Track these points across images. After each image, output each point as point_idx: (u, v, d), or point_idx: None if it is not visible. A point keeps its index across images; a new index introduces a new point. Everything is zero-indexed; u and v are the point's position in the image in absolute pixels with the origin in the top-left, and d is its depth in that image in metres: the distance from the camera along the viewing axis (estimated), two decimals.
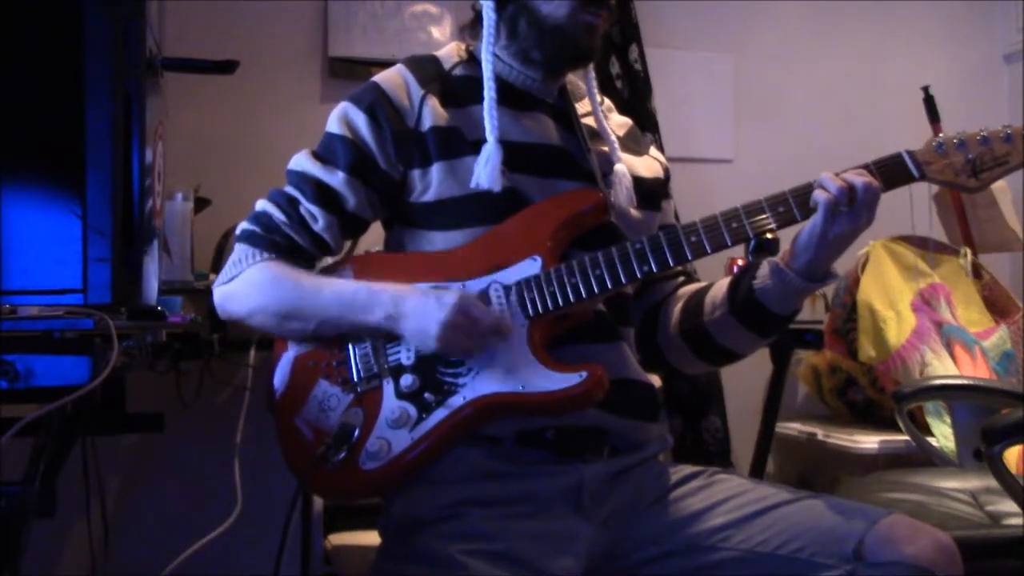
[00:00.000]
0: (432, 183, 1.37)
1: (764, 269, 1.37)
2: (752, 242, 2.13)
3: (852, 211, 1.28)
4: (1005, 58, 3.29)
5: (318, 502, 2.23)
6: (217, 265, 2.27)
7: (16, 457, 1.17)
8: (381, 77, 1.42)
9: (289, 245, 1.37)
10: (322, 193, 1.37)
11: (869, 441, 2.56)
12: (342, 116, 1.40)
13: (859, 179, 1.28)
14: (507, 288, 1.32)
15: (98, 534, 2.10)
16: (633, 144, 1.55)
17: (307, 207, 1.37)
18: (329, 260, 1.44)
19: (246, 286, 1.36)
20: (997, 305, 2.85)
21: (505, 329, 1.29)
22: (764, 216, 1.32)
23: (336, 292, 1.33)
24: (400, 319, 1.29)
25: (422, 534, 1.27)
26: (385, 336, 1.33)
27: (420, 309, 1.28)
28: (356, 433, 1.29)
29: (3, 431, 1.10)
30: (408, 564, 1.26)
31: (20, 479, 1.14)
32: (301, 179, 1.38)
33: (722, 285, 1.44)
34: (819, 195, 1.28)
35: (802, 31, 3.13)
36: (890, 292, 2.69)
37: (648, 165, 1.54)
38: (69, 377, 1.12)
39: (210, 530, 2.12)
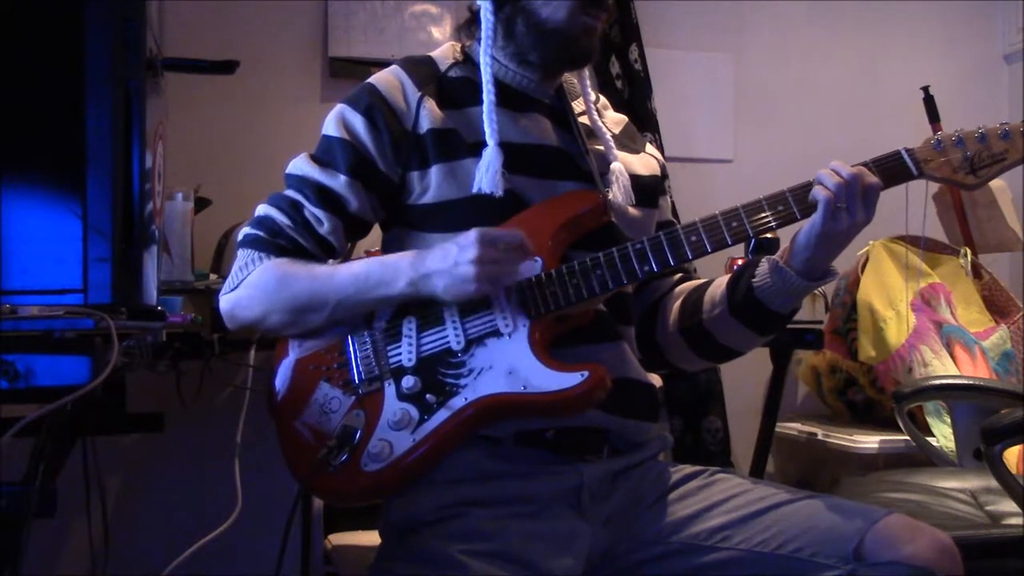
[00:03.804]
0: (431, 185, 1.37)
1: (763, 267, 1.37)
2: (752, 241, 2.14)
3: (851, 208, 1.28)
4: (1005, 58, 3.29)
5: (318, 502, 2.23)
6: (217, 265, 2.27)
7: (16, 457, 1.17)
8: (377, 79, 1.42)
9: (294, 249, 1.36)
10: (324, 196, 1.37)
11: (869, 441, 2.56)
12: (339, 119, 1.40)
13: (858, 175, 1.28)
14: (508, 289, 1.31)
15: (98, 534, 2.10)
16: (629, 142, 1.55)
17: (311, 210, 1.37)
18: (332, 263, 1.44)
19: (255, 289, 1.34)
20: (997, 305, 2.85)
21: (527, 244, 1.28)
22: (764, 215, 1.32)
23: (350, 272, 1.32)
24: (426, 279, 1.28)
25: (422, 534, 1.27)
26: (387, 336, 1.33)
27: (444, 261, 1.26)
28: (358, 435, 1.29)
29: (3, 431, 1.10)
30: (408, 564, 1.26)
31: (20, 479, 1.14)
32: (302, 183, 1.38)
33: (721, 283, 1.44)
34: (819, 192, 1.29)
35: (802, 31, 3.13)
36: (890, 292, 2.69)
37: (645, 163, 1.54)
38: (69, 377, 1.11)
39: (210, 530, 2.12)
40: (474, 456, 1.31)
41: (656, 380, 1.46)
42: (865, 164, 1.32)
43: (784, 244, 1.38)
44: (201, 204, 2.27)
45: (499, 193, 1.34)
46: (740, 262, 2.32)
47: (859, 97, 3.14)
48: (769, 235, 1.35)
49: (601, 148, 1.47)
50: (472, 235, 1.25)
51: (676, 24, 2.99)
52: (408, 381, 1.30)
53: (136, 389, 2.00)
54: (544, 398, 1.26)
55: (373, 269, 1.32)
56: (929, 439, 2.41)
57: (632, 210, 1.45)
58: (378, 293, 1.31)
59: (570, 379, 1.26)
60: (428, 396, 1.29)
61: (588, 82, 1.53)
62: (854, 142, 2.87)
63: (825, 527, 1.27)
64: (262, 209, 1.40)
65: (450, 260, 1.25)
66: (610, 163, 1.45)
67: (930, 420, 2.52)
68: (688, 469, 1.43)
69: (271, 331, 1.39)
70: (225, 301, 1.39)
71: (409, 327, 1.33)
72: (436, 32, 2.72)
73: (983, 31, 3.28)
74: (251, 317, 1.36)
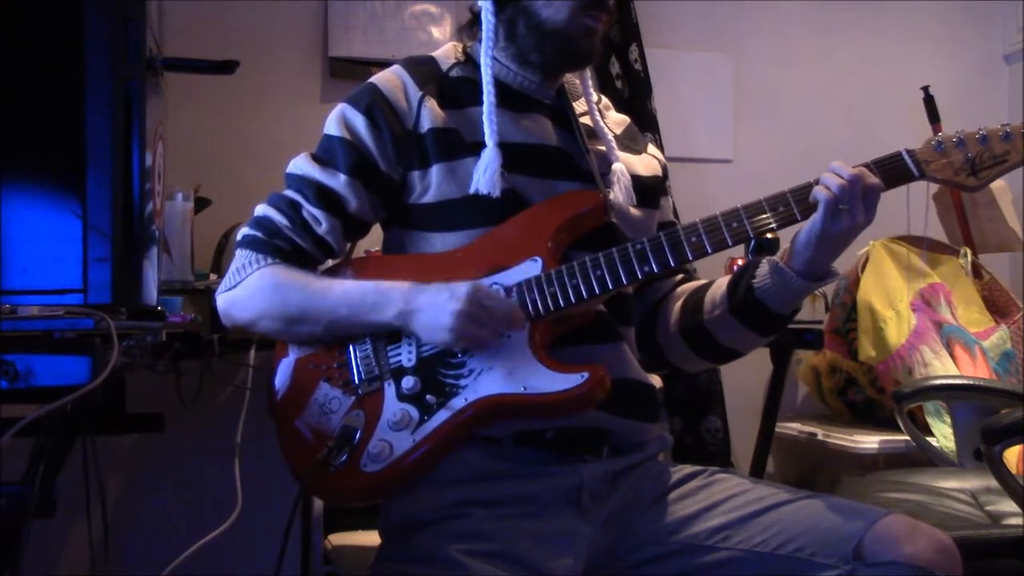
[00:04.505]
0: (431, 185, 1.37)
1: (764, 268, 1.37)
2: (752, 242, 2.13)
3: (852, 209, 1.28)
4: (1005, 58, 3.29)
5: (318, 502, 2.23)
6: (217, 265, 2.27)
7: (16, 457, 1.17)
8: (378, 78, 1.42)
9: (292, 249, 1.36)
10: (324, 196, 1.37)
11: (869, 441, 2.56)
12: (340, 118, 1.40)
13: (859, 176, 1.28)
14: (508, 289, 1.31)
15: (98, 534, 2.10)
16: (631, 142, 1.55)
17: (309, 210, 1.37)
18: (331, 263, 1.44)
19: (251, 292, 1.35)
20: (997, 305, 2.85)
21: (518, 319, 1.29)
22: (764, 216, 1.32)
23: (344, 293, 1.32)
24: (412, 314, 1.28)
25: (422, 534, 1.27)
26: (387, 336, 1.33)
27: (433, 302, 1.27)
28: (358, 436, 1.29)
29: (3, 431, 1.10)
30: (408, 564, 1.26)
31: (20, 479, 1.14)
32: (302, 182, 1.38)
33: (721, 283, 1.44)
34: (819, 192, 1.28)
35: (802, 31, 3.13)
36: (890, 292, 2.69)
37: (646, 163, 1.54)
38: (69, 377, 1.11)
39: (210, 530, 2.12)
40: (474, 456, 1.31)
41: (656, 381, 1.45)
42: (866, 165, 1.31)
43: (785, 245, 1.37)
44: (201, 204, 2.27)
45: (496, 194, 1.34)
46: (740, 263, 2.32)
47: (859, 97, 3.13)
48: (769, 236, 1.34)
49: (603, 148, 1.47)
50: (465, 288, 1.26)
51: (676, 24, 2.99)
52: (408, 381, 1.30)
53: (136, 389, 1.99)
54: (544, 399, 1.26)
55: (367, 293, 1.32)
56: (929, 439, 2.41)
57: (633, 211, 1.45)
58: (369, 318, 1.31)
59: (570, 380, 1.26)
60: (428, 396, 1.29)
61: (590, 83, 1.53)
62: (854, 142, 2.89)
63: (825, 527, 1.27)
64: (261, 209, 1.40)
65: (438, 303, 1.26)
66: (611, 163, 1.45)
67: (930, 420, 2.52)
68: (688, 469, 1.43)
69: (264, 334, 1.40)
70: (222, 300, 1.39)
71: None
72: (436, 32, 2.72)
73: (983, 31, 3.28)
74: (245, 319, 1.37)
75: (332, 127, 1.40)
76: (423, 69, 1.43)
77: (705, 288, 1.47)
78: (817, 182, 1.31)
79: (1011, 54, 3.27)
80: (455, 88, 1.42)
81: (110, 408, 1.94)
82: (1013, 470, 1.79)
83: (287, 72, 2.64)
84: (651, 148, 1.59)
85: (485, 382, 1.28)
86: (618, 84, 2.77)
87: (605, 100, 1.59)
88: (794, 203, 1.31)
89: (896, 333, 2.62)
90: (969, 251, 2.87)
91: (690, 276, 1.56)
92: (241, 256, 1.37)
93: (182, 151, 1.85)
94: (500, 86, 1.41)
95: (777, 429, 2.58)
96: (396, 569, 1.29)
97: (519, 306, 1.30)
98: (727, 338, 1.44)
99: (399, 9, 2.71)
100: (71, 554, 2.32)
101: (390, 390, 1.31)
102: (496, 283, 1.32)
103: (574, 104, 1.49)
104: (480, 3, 1.43)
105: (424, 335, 1.29)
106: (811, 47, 3.13)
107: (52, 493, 1.16)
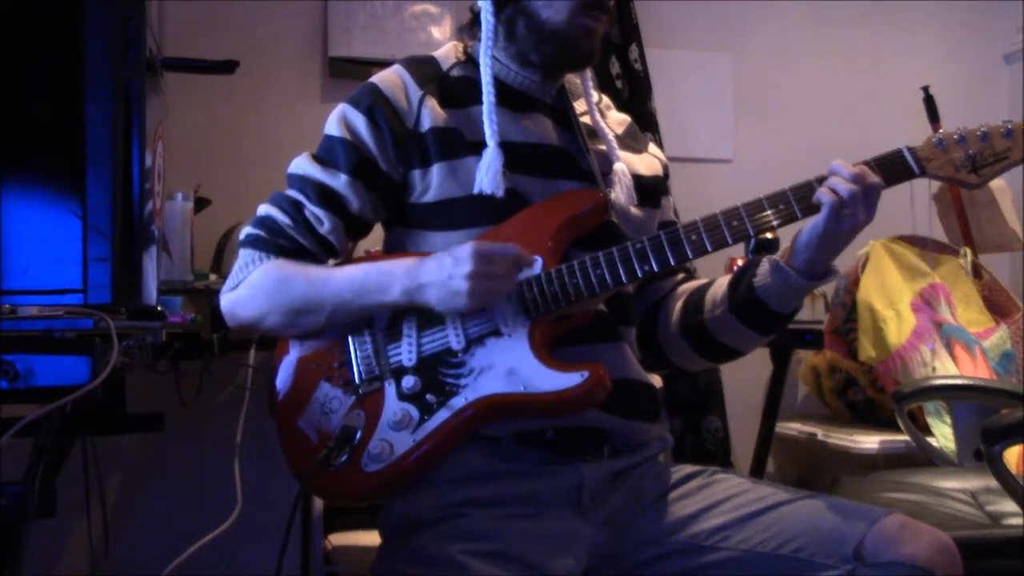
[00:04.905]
0: (432, 184, 1.37)
1: (764, 267, 1.37)
2: (752, 241, 2.14)
3: (853, 209, 1.28)
4: (1005, 58, 3.29)
5: (318, 502, 2.23)
6: (217, 265, 2.27)
7: (16, 457, 1.17)
8: (379, 78, 1.42)
9: (295, 248, 1.36)
10: (325, 196, 1.37)
11: (869, 441, 2.56)
12: (341, 118, 1.40)
13: (860, 175, 1.28)
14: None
15: (98, 534, 2.10)
16: (632, 142, 1.55)
17: (312, 210, 1.37)
18: (332, 263, 1.44)
19: (254, 289, 1.35)
20: (997, 305, 2.85)
21: (526, 259, 1.29)
22: (765, 214, 1.32)
23: (347, 277, 1.32)
24: (421, 290, 1.28)
25: (422, 534, 1.27)
26: (387, 335, 1.33)
27: (439, 273, 1.27)
28: (358, 435, 1.29)
29: (3, 431, 1.10)
30: (408, 564, 1.26)
31: (20, 479, 1.14)
32: (303, 182, 1.38)
33: (722, 283, 1.44)
34: (824, 196, 1.28)
35: (802, 31, 3.13)
36: (890, 292, 2.69)
37: (647, 163, 1.54)
38: (69, 377, 1.12)
39: (210, 530, 2.12)
40: (474, 456, 1.31)
41: (656, 380, 1.45)
42: (867, 163, 1.31)
43: (784, 243, 1.37)
44: (201, 204, 2.27)
45: (499, 194, 1.34)
46: (740, 262, 2.32)
47: (859, 97, 3.13)
48: (769, 235, 1.34)
49: (603, 148, 1.47)
50: (468, 249, 1.25)
51: (676, 24, 2.99)
52: (408, 381, 1.30)
53: (136, 389, 1.99)
54: (544, 398, 1.26)
55: (370, 275, 1.32)
56: (929, 439, 2.41)
57: (634, 210, 1.45)
58: (373, 299, 1.31)
59: (570, 379, 1.26)
60: (428, 396, 1.29)
61: (590, 82, 1.53)
62: (854, 142, 2.86)
63: (825, 527, 1.27)
64: (263, 209, 1.40)
65: (444, 273, 1.26)
66: (613, 163, 1.45)
67: (930, 420, 2.52)
68: (688, 469, 1.43)
69: (269, 331, 1.39)
70: (226, 300, 1.39)
71: (409, 327, 1.33)
72: (436, 32, 2.72)
73: (983, 31, 3.28)
74: (250, 317, 1.37)
75: (333, 127, 1.40)
76: (423, 69, 1.43)
77: (706, 287, 1.47)
78: (819, 181, 1.30)
79: (1011, 54, 3.27)
80: (456, 88, 1.42)
81: (110, 408, 1.94)
82: (1013, 470, 1.79)
83: (287, 72, 2.64)
84: (652, 147, 1.59)
85: (485, 381, 1.28)
86: (618, 84, 2.77)
87: (606, 100, 1.59)
88: (794, 201, 1.31)
89: (896, 333, 2.62)
90: (969, 251, 2.87)
91: (691, 275, 1.56)
92: (244, 255, 1.38)
93: (182, 151, 1.85)
94: (500, 86, 1.41)
95: (777, 429, 2.58)
96: (396, 569, 1.29)
97: (520, 305, 1.30)
98: (728, 337, 1.44)
99: (399, 9, 2.71)
100: (71, 554, 2.32)
101: (390, 390, 1.31)
102: None
103: (575, 104, 1.49)
104: (480, 3, 1.43)
105: (439, 307, 1.28)
106: (811, 47, 3.13)
107: (52, 493, 1.16)
